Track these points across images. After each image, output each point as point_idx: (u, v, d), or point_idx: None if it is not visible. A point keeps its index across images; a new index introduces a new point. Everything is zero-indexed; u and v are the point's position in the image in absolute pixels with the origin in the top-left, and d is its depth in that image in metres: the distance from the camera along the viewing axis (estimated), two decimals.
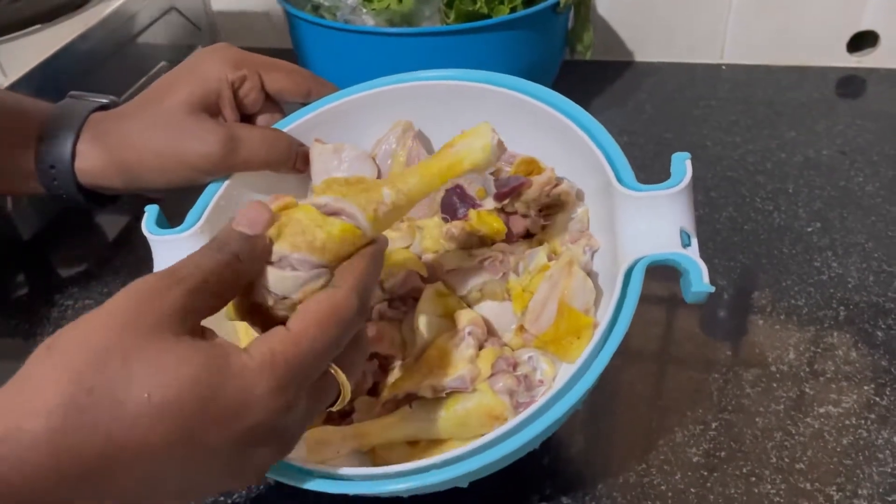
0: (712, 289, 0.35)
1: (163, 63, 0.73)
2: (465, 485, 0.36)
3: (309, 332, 0.30)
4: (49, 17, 0.65)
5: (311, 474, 0.35)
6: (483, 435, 0.34)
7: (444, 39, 0.58)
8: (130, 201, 0.54)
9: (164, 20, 0.74)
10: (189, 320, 0.29)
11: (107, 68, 0.66)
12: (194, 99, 0.46)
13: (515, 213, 0.45)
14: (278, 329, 0.30)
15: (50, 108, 0.49)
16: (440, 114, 0.48)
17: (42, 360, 0.27)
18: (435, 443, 0.40)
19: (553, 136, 0.44)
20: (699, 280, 0.35)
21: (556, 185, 0.44)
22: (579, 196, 0.45)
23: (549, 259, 0.43)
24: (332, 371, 0.32)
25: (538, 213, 0.45)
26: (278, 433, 0.30)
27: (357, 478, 0.35)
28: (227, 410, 0.28)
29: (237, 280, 0.31)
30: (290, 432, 0.31)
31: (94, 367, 0.26)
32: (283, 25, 0.83)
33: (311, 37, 0.63)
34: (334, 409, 0.34)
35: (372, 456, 0.41)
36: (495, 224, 0.43)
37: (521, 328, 0.42)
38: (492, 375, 0.40)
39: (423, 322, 0.41)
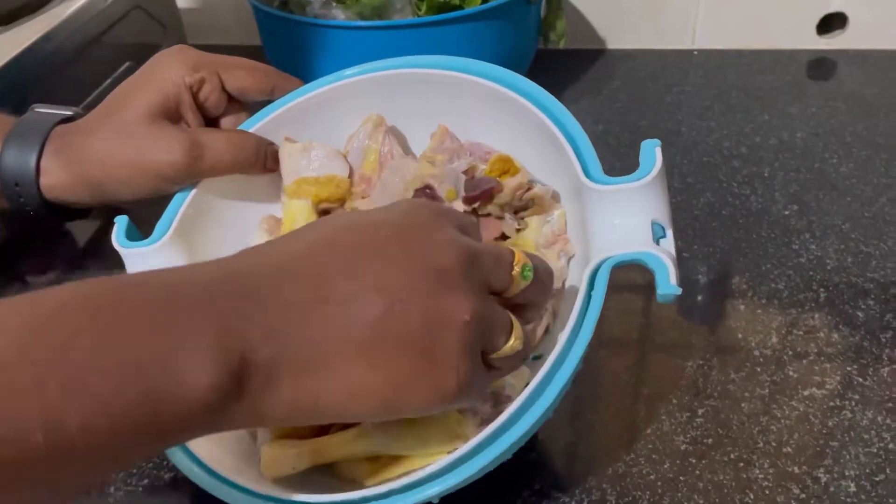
0: (678, 291, 0.34)
1: (128, 63, 0.71)
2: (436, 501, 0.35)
3: None
4: (8, 19, 0.63)
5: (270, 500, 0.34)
6: (445, 452, 0.33)
7: (416, 32, 0.57)
8: (99, 208, 0.53)
9: (129, 19, 0.72)
10: None
11: (71, 70, 0.64)
12: (153, 107, 0.45)
13: (489, 215, 0.44)
14: None
15: (11, 123, 0.48)
16: (413, 105, 0.47)
17: None
18: (396, 458, 0.38)
19: (527, 129, 0.43)
20: (665, 282, 0.34)
21: (529, 189, 0.43)
22: (555, 197, 0.44)
23: None
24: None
25: (513, 215, 0.44)
26: (468, 266, 0.31)
27: None
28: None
29: None
30: (480, 294, 0.31)
31: None
32: (249, 21, 0.81)
33: (281, 33, 0.62)
34: (502, 351, 0.32)
35: (333, 471, 0.39)
36: None
37: None
38: None
39: None
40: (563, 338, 0.35)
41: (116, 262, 0.60)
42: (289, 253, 0.30)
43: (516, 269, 0.33)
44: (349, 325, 0.28)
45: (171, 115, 0.46)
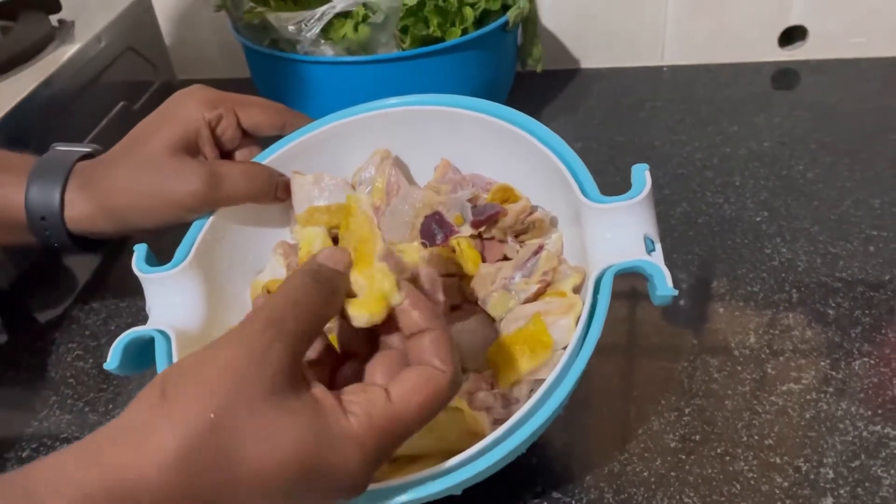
0: (676, 292, 0.38)
1: (122, 103, 0.73)
2: (459, 492, 0.38)
3: (410, 410, 0.31)
4: (6, 67, 0.65)
5: None
6: (461, 450, 0.36)
7: (401, 65, 0.60)
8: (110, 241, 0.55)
9: (121, 60, 0.75)
10: (296, 371, 0.30)
11: (69, 113, 0.66)
12: (175, 141, 0.48)
13: (493, 238, 0.47)
14: (379, 395, 0.31)
15: (35, 160, 0.50)
16: (416, 140, 0.50)
17: (155, 406, 0.28)
18: (413, 459, 0.40)
19: (524, 158, 0.46)
20: (664, 285, 0.38)
21: (531, 213, 0.46)
22: (553, 222, 0.48)
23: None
24: None
25: (514, 238, 0.47)
26: (356, 491, 0.32)
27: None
28: (324, 477, 0.29)
29: (329, 315, 0.32)
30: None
31: (209, 427, 0.27)
32: (235, 56, 0.84)
33: (272, 70, 0.65)
34: None
35: None
36: (476, 260, 0.46)
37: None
38: (470, 393, 0.41)
39: None
40: (575, 337, 0.38)
41: (118, 293, 0.62)
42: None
43: None
44: None
45: (191, 149, 0.49)
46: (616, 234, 0.40)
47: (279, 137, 0.51)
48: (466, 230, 0.47)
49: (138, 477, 0.26)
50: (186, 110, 0.48)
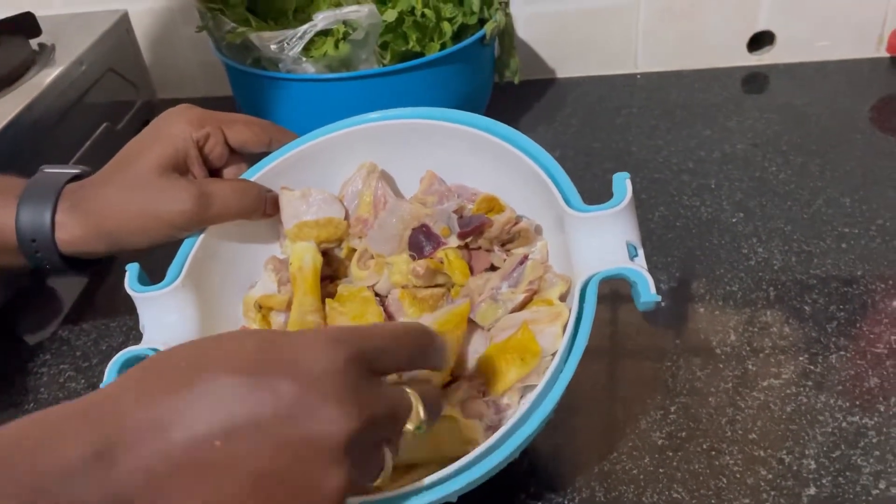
0: (659, 298, 0.39)
1: (105, 124, 0.74)
2: (454, 500, 0.38)
3: (385, 328, 0.33)
4: None
5: None
6: (456, 458, 0.36)
7: (382, 80, 0.62)
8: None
9: (103, 82, 0.75)
10: None
11: (53, 136, 0.67)
12: (164, 160, 0.48)
13: (479, 248, 0.49)
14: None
15: (24, 183, 0.51)
16: (401, 152, 0.51)
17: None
18: (409, 469, 0.41)
19: (507, 168, 0.48)
20: (647, 291, 0.39)
21: (516, 224, 0.47)
22: (538, 230, 0.49)
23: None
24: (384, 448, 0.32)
25: (500, 247, 0.48)
26: (349, 439, 0.29)
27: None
28: (286, 353, 0.29)
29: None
30: (359, 450, 0.30)
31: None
32: (216, 74, 0.85)
33: (255, 89, 0.66)
34: (374, 484, 0.33)
35: None
36: (464, 270, 0.47)
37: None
38: (462, 402, 0.42)
39: None
40: (563, 343, 0.39)
41: (108, 313, 0.63)
42: (166, 406, 0.28)
43: (409, 426, 0.33)
44: (210, 497, 0.28)
45: (180, 168, 0.49)
46: (599, 241, 0.41)
47: (266, 154, 0.52)
48: (453, 241, 0.48)
49: None
50: (174, 130, 0.49)
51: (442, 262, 0.47)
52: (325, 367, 0.29)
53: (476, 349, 0.45)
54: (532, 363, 0.42)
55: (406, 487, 0.36)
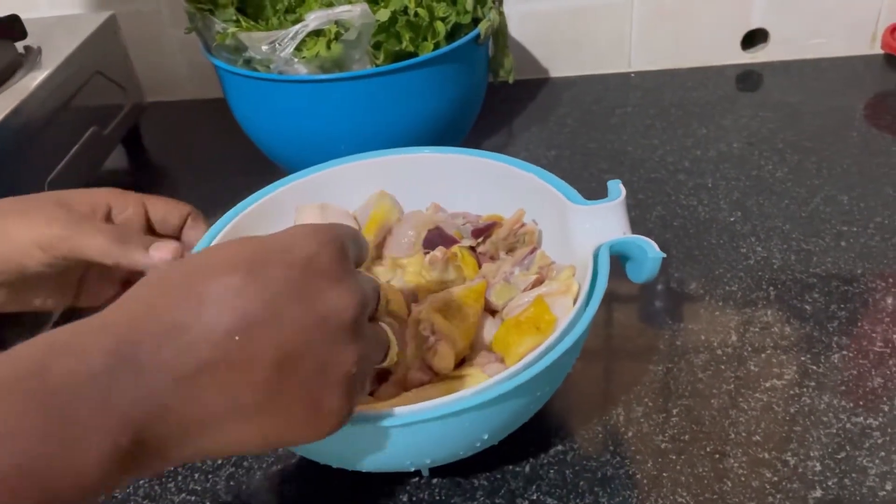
0: (664, 255, 0.42)
1: (93, 128, 0.73)
2: (486, 436, 0.40)
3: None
4: None
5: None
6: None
7: (375, 80, 0.61)
8: None
9: (91, 85, 0.74)
10: None
11: (41, 140, 0.65)
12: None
13: (485, 254, 0.51)
14: None
15: None
16: (407, 183, 0.54)
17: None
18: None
19: (508, 187, 0.51)
20: (653, 249, 0.43)
21: (523, 226, 0.50)
22: (541, 237, 0.51)
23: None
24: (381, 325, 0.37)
25: (506, 254, 0.50)
26: (345, 304, 0.31)
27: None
28: (276, 246, 0.31)
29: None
30: (360, 331, 0.32)
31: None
32: (204, 76, 0.84)
33: (247, 91, 0.65)
34: (384, 364, 0.37)
35: None
36: (475, 267, 0.50)
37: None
38: (483, 366, 0.44)
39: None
40: (579, 302, 0.42)
41: None
42: (179, 310, 0.29)
43: (382, 302, 0.38)
44: (239, 390, 0.29)
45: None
46: (602, 223, 0.45)
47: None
48: (467, 242, 0.51)
49: None
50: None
51: (456, 255, 0.49)
52: (316, 250, 0.31)
53: (489, 331, 0.47)
54: (548, 331, 0.43)
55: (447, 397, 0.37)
